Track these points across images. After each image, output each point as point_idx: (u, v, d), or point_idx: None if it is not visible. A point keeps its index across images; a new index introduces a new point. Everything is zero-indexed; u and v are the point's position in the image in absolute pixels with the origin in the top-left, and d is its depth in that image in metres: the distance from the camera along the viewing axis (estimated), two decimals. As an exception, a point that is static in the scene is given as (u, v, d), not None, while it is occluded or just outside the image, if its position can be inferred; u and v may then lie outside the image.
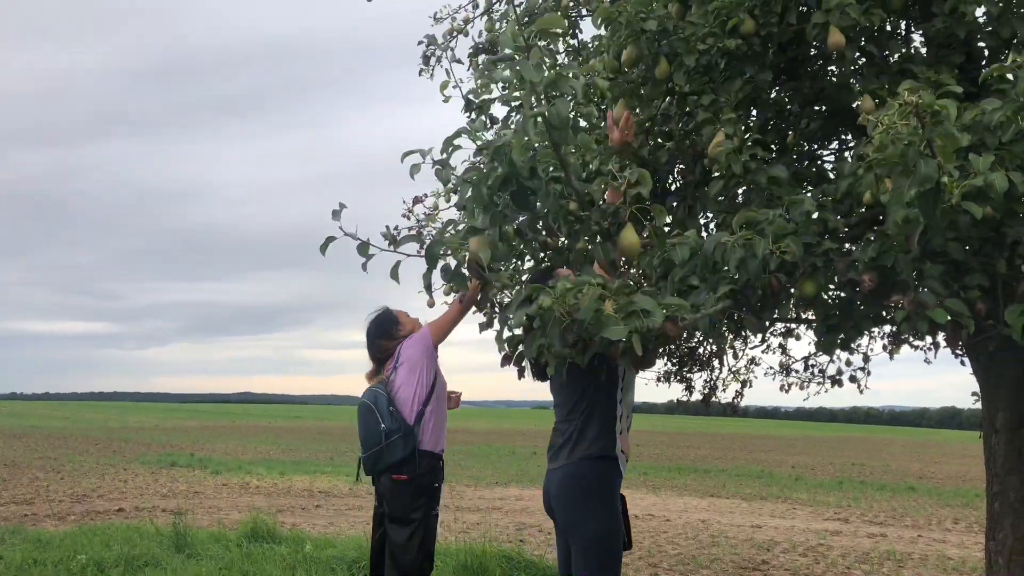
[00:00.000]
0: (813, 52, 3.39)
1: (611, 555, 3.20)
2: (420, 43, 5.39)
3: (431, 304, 4.39)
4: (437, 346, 4.02)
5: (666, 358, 5.60)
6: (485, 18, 5.39)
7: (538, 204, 2.75)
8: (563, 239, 3.07)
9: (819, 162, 3.73)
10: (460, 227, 2.95)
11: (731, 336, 5.51)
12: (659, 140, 3.59)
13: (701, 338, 3.05)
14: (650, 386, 5.90)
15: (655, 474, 18.69)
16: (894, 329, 2.82)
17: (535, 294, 2.54)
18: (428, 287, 2.91)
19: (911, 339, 4.93)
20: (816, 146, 3.76)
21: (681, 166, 3.51)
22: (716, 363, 5.80)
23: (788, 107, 3.47)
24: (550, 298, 2.45)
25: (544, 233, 3.08)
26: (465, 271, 2.91)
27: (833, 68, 3.44)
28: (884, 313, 2.87)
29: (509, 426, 47.23)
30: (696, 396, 6.00)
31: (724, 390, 5.96)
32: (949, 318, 2.32)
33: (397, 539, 3.81)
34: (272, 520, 8.18)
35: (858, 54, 3.39)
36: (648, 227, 2.84)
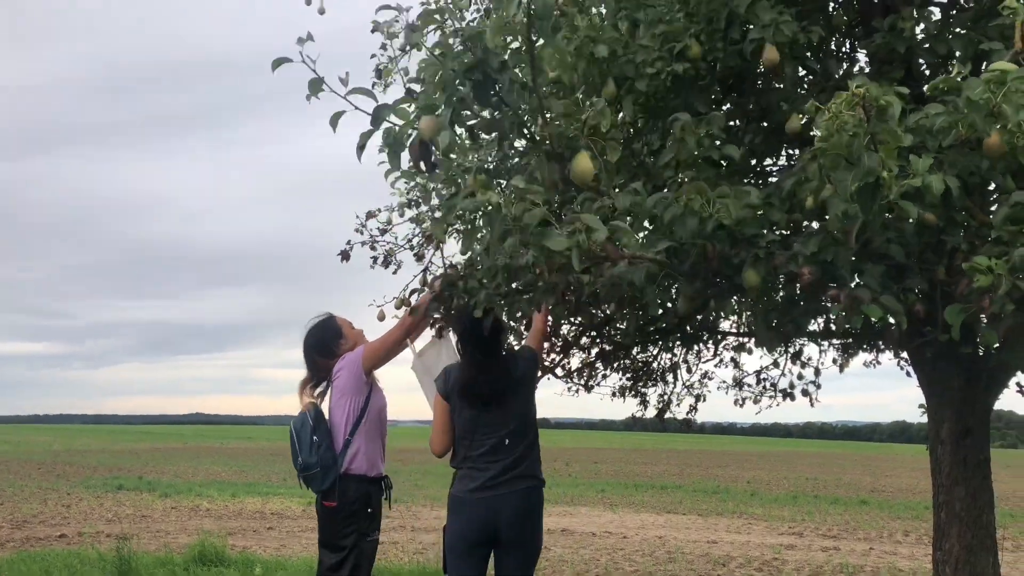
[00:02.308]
0: (759, 68, 3.44)
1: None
2: (372, 56, 5.34)
3: (381, 318, 4.34)
4: (370, 372, 3.82)
5: (620, 373, 5.59)
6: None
7: (500, 102, 2.64)
8: (514, 148, 3.00)
9: (766, 178, 3.78)
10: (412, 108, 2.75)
11: (684, 350, 5.54)
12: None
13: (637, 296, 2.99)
14: (605, 401, 5.88)
15: (612, 491, 18.70)
16: (831, 325, 2.85)
17: (484, 190, 2.48)
18: (361, 148, 2.70)
19: (853, 343, 5.00)
20: (761, 161, 3.81)
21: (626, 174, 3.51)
22: (670, 377, 5.81)
23: (734, 122, 3.51)
24: (498, 196, 2.41)
25: (497, 137, 2.98)
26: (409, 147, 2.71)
27: (778, 84, 3.49)
28: (821, 314, 2.91)
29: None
30: (651, 411, 6.00)
31: (679, 404, 5.96)
32: (883, 315, 2.35)
33: (327, 562, 3.69)
34: (221, 543, 7.98)
35: (803, 71, 3.45)
36: (600, 161, 2.78)
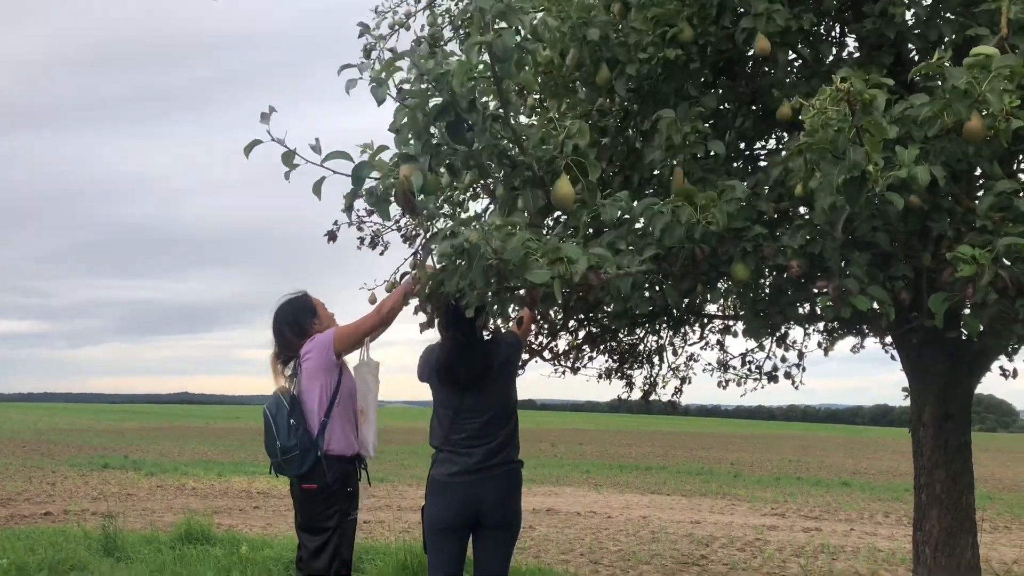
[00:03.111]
0: (749, 52, 3.45)
1: None
2: (360, 35, 5.30)
3: (372, 300, 4.33)
4: (341, 355, 3.76)
5: (607, 355, 5.62)
6: (427, 12, 5.34)
7: (474, 140, 2.68)
8: (494, 180, 3.03)
9: (755, 161, 3.79)
10: (391, 156, 2.81)
11: (670, 333, 5.57)
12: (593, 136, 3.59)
13: (625, 301, 3.01)
14: (591, 383, 5.91)
15: (597, 472, 18.82)
16: (818, 311, 2.87)
17: (462, 228, 2.51)
18: (349, 208, 2.78)
19: (839, 328, 5.04)
20: (751, 145, 3.82)
21: (615, 164, 3.52)
22: (656, 360, 5.85)
23: (724, 106, 3.52)
24: (477, 234, 2.42)
25: (477, 172, 2.99)
26: (392, 198, 2.75)
27: (767, 69, 3.49)
28: (808, 303, 2.93)
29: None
30: (636, 393, 6.04)
31: (664, 387, 6.01)
32: (872, 305, 2.38)
33: (309, 546, 3.66)
34: (207, 522, 7.99)
35: (793, 55, 3.45)
36: (582, 182, 2.81)
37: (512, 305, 2.92)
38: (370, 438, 3.86)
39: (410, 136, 2.73)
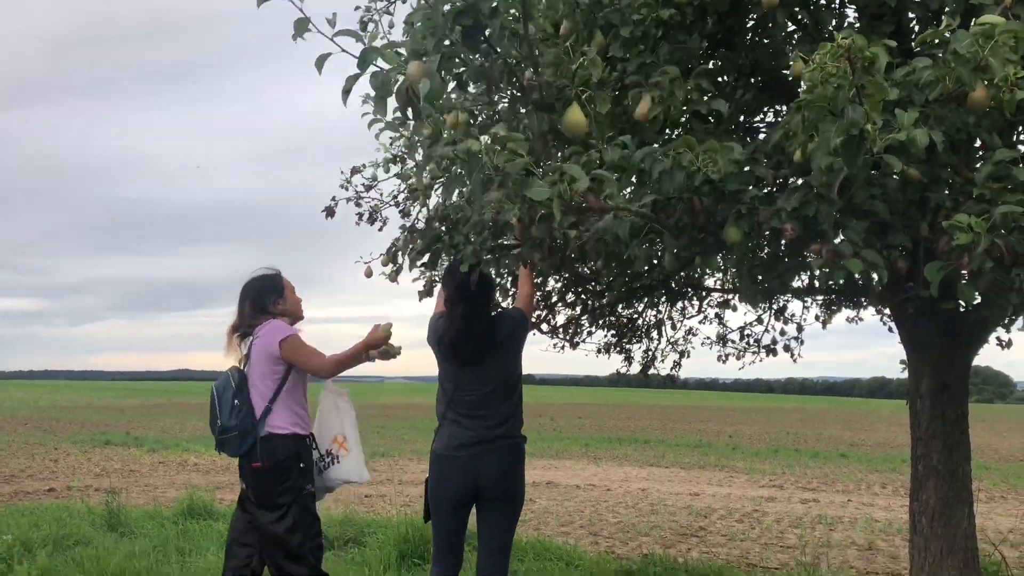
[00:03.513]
0: (749, 23, 3.41)
1: None
2: (357, 8, 5.25)
3: (368, 274, 4.33)
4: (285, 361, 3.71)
5: (605, 329, 5.63)
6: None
7: (489, 50, 2.59)
8: (502, 96, 2.95)
9: (755, 133, 3.77)
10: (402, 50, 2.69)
11: (668, 306, 5.58)
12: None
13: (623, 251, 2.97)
14: (590, 357, 5.93)
15: (596, 445, 18.94)
16: (814, 281, 2.86)
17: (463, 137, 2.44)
18: (347, 91, 2.64)
19: (836, 300, 5.03)
20: (751, 117, 3.79)
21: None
22: (655, 334, 5.86)
23: (722, 77, 3.49)
24: (478, 144, 2.38)
25: (486, 85, 2.93)
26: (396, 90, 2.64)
27: (767, 39, 3.46)
28: (806, 272, 2.92)
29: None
30: (635, 367, 6.06)
31: (663, 361, 6.03)
32: (864, 269, 2.36)
33: (264, 521, 3.63)
34: (209, 497, 8.05)
35: (793, 26, 3.42)
36: (592, 113, 2.75)
37: (506, 264, 2.87)
38: (352, 465, 3.85)
39: (423, 36, 2.62)
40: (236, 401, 3.66)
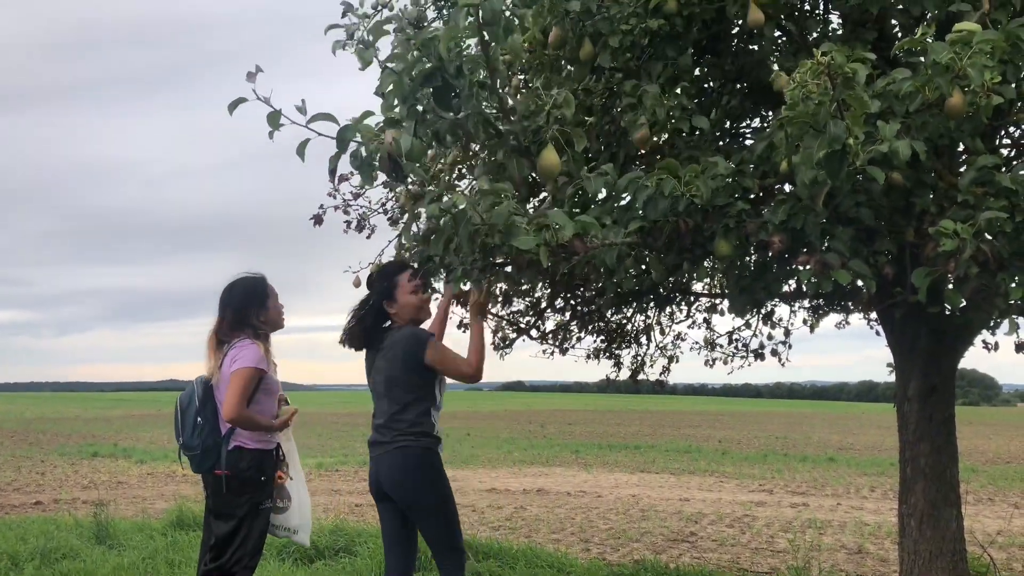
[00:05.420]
0: (735, 29, 3.44)
1: (454, 516, 3.52)
2: (344, 15, 5.26)
3: (357, 284, 4.32)
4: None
5: (595, 335, 5.64)
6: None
7: (460, 107, 2.66)
8: (480, 147, 3.01)
9: (741, 139, 3.79)
10: (376, 122, 2.76)
11: (657, 312, 5.59)
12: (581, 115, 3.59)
13: (609, 276, 3.02)
14: (579, 363, 5.94)
15: (586, 452, 18.93)
16: (802, 287, 2.89)
17: (449, 193, 2.52)
18: (332, 172, 2.72)
19: (823, 305, 5.07)
20: (738, 124, 3.82)
21: (600, 142, 3.52)
22: (643, 339, 5.87)
23: (708, 84, 3.51)
24: (464, 199, 2.44)
25: (463, 139, 2.96)
26: (376, 162, 2.72)
27: (754, 46, 3.49)
28: (793, 280, 2.95)
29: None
30: (624, 373, 6.08)
31: (651, 366, 6.04)
32: (852, 279, 2.39)
33: (219, 532, 3.61)
34: (199, 508, 7.99)
35: (778, 32, 3.45)
36: (568, 152, 2.81)
37: (498, 280, 2.92)
38: (297, 519, 3.91)
39: (395, 102, 2.70)
40: (199, 419, 3.62)
